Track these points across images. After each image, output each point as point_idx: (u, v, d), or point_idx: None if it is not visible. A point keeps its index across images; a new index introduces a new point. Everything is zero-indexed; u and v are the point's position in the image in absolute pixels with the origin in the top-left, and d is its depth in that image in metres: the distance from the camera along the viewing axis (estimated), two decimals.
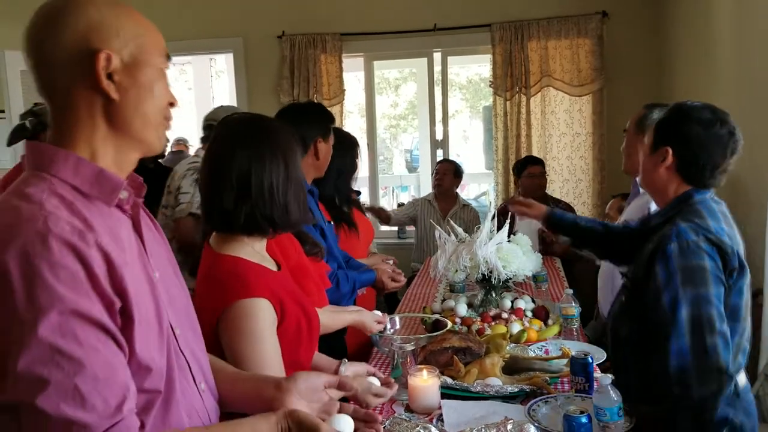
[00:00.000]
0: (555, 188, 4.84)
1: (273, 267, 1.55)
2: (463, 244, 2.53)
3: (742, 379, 1.73)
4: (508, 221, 2.58)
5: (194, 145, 6.73)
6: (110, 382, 0.88)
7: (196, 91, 8.22)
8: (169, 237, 3.17)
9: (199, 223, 3.02)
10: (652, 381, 1.66)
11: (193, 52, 6.08)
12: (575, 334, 2.34)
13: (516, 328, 2.34)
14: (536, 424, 1.54)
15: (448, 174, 4.60)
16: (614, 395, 1.53)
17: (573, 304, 2.36)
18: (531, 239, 2.71)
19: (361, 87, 5.64)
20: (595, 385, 1.62)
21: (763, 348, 2.63)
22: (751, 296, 2.80)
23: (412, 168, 9.87)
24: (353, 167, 2.79)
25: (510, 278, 2.57)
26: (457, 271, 2.52)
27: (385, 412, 1.78)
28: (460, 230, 2.63)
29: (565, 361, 1.97)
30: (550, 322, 2.46)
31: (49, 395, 0.83)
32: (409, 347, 1.91)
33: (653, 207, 2.23)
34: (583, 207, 4.86)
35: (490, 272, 2.46)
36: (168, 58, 1.06)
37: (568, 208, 4.27)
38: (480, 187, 8.39)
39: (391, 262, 2.94)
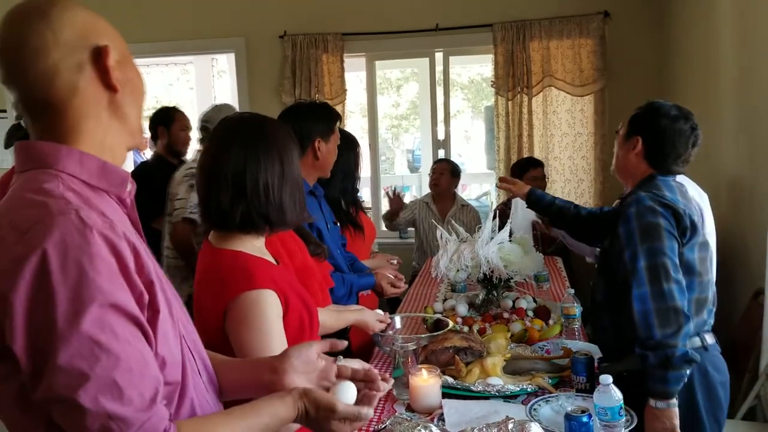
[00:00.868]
0: (557, 188, 4.84)
1: (272, 261, 1.56)
2: (464, 243, 2.53)
3: (710, 338, 1.93)
4: (509, 222, 2.59)
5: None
6: (144, 376, 0.89)
7: (197, 91, 8.22)
8: (172, 243, 3.20)
9: (193, 228, 3.07)
10: (624, 333, 1.84)
11: (195, 51, 6.08)
12: (577, 333, 2.34)
13: (517, 327, 2.34)
14: (537, 423, 1.54)
15: (445, 174, 4.50)
16: (615, 395, 1.53)
17: (574, 303, 2.36)
18: (525, 232, 2.71)
19: (363, 87, 5.64)
20: (596, 385, 1.62)
21: (764, 348, 2.63)
22: (752, 296, 2.83)
23: (413, 168, 9.86)
24: (356, 167, 2.78)
25: (511, 278, 2.57)
26: (458, 270, 2.52)
27: (387, 412, 1.79)
28: (461, 230, 2.64)
29: (566, 360, 1.97)
30: (551, 321, 2.46)
31: (89, 389, 0.83)
32: (411, 347, 1.91)
33: None
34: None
35: (492, 272, 2.47)
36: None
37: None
38: (482, 187, 8.38)
39: (395, 262, 2.94)
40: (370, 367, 1.33)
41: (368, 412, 1.11)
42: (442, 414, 1.73)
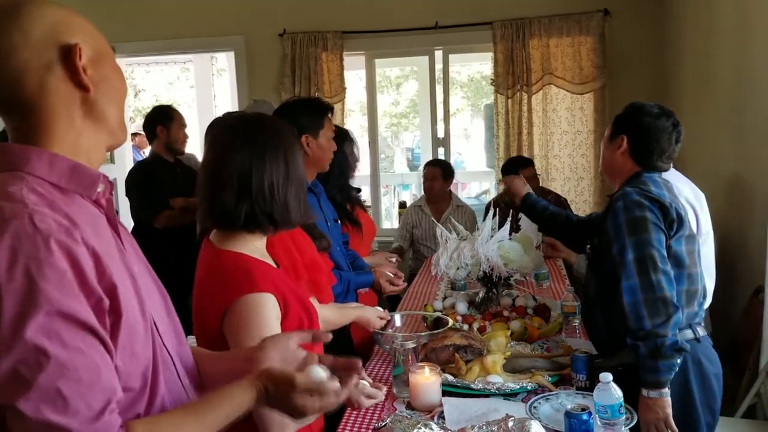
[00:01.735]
0: (556, 186, 4.84)
1: (273, 264, 1.56)
2: (464, 241, 2.53)
3: (702, 330, 1.95)
4: (509, 219, 2.59)
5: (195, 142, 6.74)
6: (94, 386, 0.86)
7: (197, 89, 8.23)
8: None
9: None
10: (616, 328, 1.87)
11: (195, 50, 6.08)
12: (577, 331, 2.34)
13: (517, 325, 2.34)
14: (537, 421, 1.54)
15: (437, 179, 4.36)
16: (615, 392, 1.53)
17: (574, 301, 2.36)
18: (532, 232, 2.70)
19: (363, 85, 5.64)
20: (596, 383, 1.62)
21: (764, 346, 2.63)
22: (752, 294, 2.83)
23: (413, 166, 9.86)
24: (347, 163, 2.74)
25: (511, 276, 2.57)
26: (458, 268, 2.52)
27: (387, 410, 1.79)
28: (461, 227, 2.63)
29: (566, 358, 1.97)
30: (551, 319, 2.46)
31: (31, 398, 0.81)
32: (411, 345, 1.91)
33: None
34: (585, 205, 4.86)
35: (492, 270, 2.47)
36: (113, 49, 1.06)
37: (558, 199, 4.20)
38: (481, 185, 8.38)
39: (394, 260, 2.94)
40: (364, 375, 1.30)
41: (333, 384, 1.06)
42: (442, 412, 1.73)
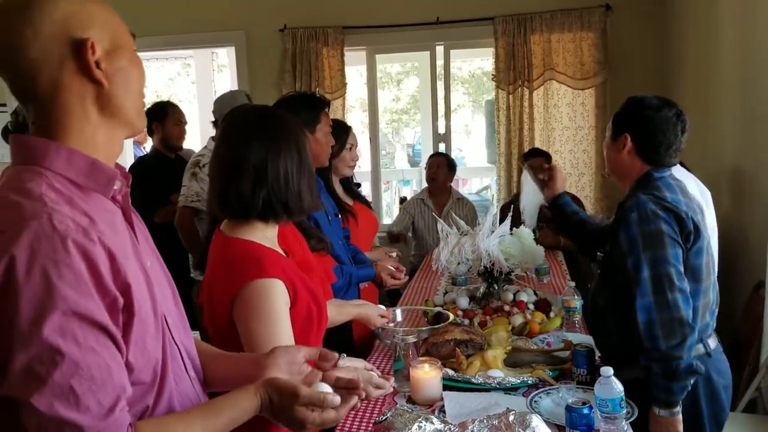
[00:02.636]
0: None
1: (282, 253, 1.57)
2: (465, 236, 2.53)
3: (713, 341, 1.89)
4: (510, 214, 2.59)
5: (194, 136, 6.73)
6: (106, 384, 0.88)
7: (198, 85, 8.21)
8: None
9: (193, 215, 3.12)
10: (629, 340, 1.81)
11: (195, 45, 6.06)
12: (577, 326, 2.34)
13: (518, 320, 2.34)
14: (538, 415, 1.54)
15: (442, 167, 4.46)
16: (616, 386, 1.53)
17: (575, 296, 2.36)
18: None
19: (363, 81, 5.63)
20: (597, 377, 1.62)
21: (765, 341, 2.63)
22: (754, 289, 2.83)
23: (414, 162, 9.86)
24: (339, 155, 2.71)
25: (512, 271, 2.57)
26: (459, 263, 2.52)
27: (388, 404, 1.79)
28: (462, 222, 2.63)
29: (567, 353, 1.97)
30: (552, 314, 2.46)
31: (44, 394, 0.84)
32: (411, 339, 1.91)
33: None
34: (586, 201, 4.85)
35: (493, 265, 2.46)
36: (133, 36, 1.05)
37: (575, 199, 4.21)
38: (482, 181, 8.37)
39: (395, 254, 2.94)
40: (372, 367, 1.32)
41: (334, 398, 1.07)
42: (442, 406, 1.73)
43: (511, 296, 2.57)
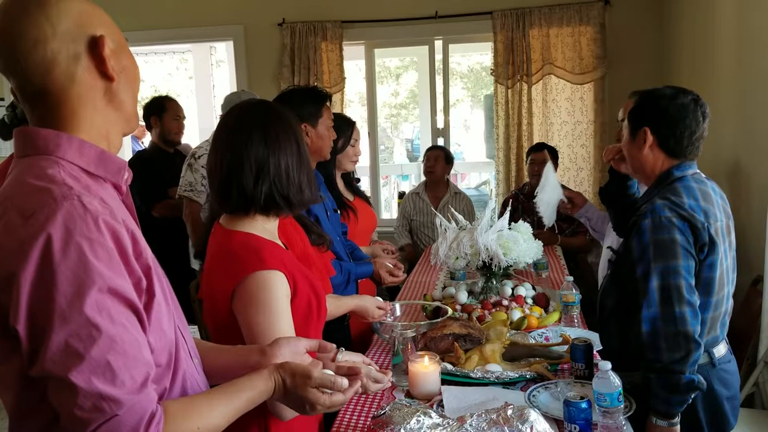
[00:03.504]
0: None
1: (282, 246, 1.57)
2: (464, 231, 2.53)
3: (720, 350, 1.83)
4: (509, 209, 2.58)
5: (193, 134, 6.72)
6: (137, 360, 0.91)
7: (196, 80, 8.20)
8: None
9: (187, 203, 3.17)
10: (631, 346, 1.77)
11: (193, 39, 6.05)
12: (576, 320, 2.34)
13: (516, 315, 2.34)
14: (536, 409, 1.54)
15: (439, 160, 4.45)
16: (614, 381, 1.53)
17: (573, 291, 2.36)
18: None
19: (362, 75, 5.62)
20: (595, 371, 1.62)
21: (763, 336, 2.63)
22: (752, 283, 2.83)
23: (413, 157, 9.85)
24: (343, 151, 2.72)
25: (510, 265, 2.57)
26: (457, 258, 2.52)
27: (386, 398, 1.79)
28: (460, 217, 2.63)
29: (565, 347, 1.98)
30: (550, 309, 2.46)
31: (83, 370, 0.86)
32: (410, 334, 1.91)
33: None
34: (585, 195, 4.85)
35: (491, 259, 2.46)
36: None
37: (575, 194, 4.20)
38: (481, 176, 8.37)
39: (392, 250, 2.93)
40: (370, 361, 1.35)
41: (342, 381, 1.15)
42: (441, 400, 1.73)
43: (509, 291, 2.57)
